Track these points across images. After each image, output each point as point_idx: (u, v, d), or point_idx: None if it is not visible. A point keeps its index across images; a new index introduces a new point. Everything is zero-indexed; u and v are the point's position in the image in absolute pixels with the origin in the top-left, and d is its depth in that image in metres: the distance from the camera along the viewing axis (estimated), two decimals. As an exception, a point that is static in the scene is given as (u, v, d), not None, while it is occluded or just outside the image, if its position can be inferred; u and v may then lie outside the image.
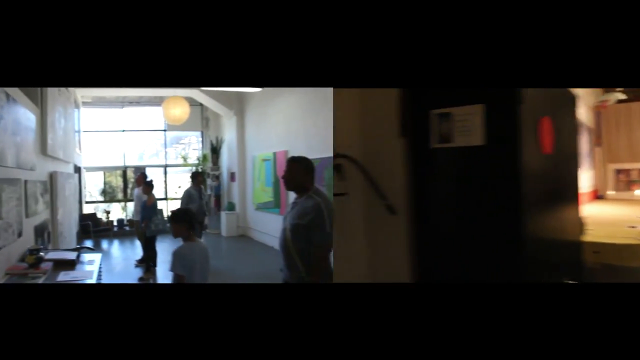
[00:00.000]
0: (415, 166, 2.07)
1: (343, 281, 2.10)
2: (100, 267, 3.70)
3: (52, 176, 4.77)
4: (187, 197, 6.42)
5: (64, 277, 3.01)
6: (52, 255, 3.53)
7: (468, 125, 1.87)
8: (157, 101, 9.47)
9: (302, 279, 2.30)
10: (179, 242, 2.67)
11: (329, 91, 6.12)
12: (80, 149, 8.47)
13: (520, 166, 1.75)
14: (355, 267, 2.15)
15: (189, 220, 2.67)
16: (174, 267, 2.56)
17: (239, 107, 9.48)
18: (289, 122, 7.46)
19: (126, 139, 10.44)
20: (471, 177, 1.90)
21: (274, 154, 7.92)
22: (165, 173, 10.67)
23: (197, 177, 6.72)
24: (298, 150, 6.71)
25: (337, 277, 2.12)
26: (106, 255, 7.55)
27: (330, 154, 7.16)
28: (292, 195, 2.46)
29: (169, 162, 10.72)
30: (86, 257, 3.84)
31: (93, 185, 10.34)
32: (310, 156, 2.58)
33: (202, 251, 2.72)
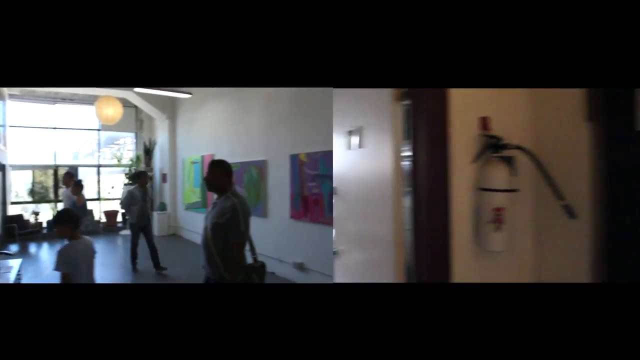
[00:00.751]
0: (607, 158, 1.58)
1: (508, 283, 1.80)
2: (19, 274, 3.59)
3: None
4: (129, 197, 5.96)
5: (-29, 286, 2.88)
6: (-40, 263, 3.29)
7: None
8: (91, 100, 9.15)
9: (221, 275, 2.44)
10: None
11: (250, 101, 6.57)
12: (5, 144, 8.05)
13: None
14: (519, 273, 1.89)
15: (73, 220, 2.73)
16: (57, 266, 2.58)
17: (171, 111, 9.71)
18: (215, 128, 7.87)
19: (58, 137, 10.00)
20: None
21: (202, 157, 8.30)
22: (99, 173, 10.57)
23: (142, 177, 6.14)
24: (223, 154, 7.18)
25: (501, 277, 1.85)
26: (33, 259, 7.34)
27: (250, 158, 7.50)
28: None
29: (103, 162, 10.60)
30: (10, 263, 3.73)
31: (21, 185, 9.78)
32: (232, 160, 2.82)
33: (86, 248, 2.74)
